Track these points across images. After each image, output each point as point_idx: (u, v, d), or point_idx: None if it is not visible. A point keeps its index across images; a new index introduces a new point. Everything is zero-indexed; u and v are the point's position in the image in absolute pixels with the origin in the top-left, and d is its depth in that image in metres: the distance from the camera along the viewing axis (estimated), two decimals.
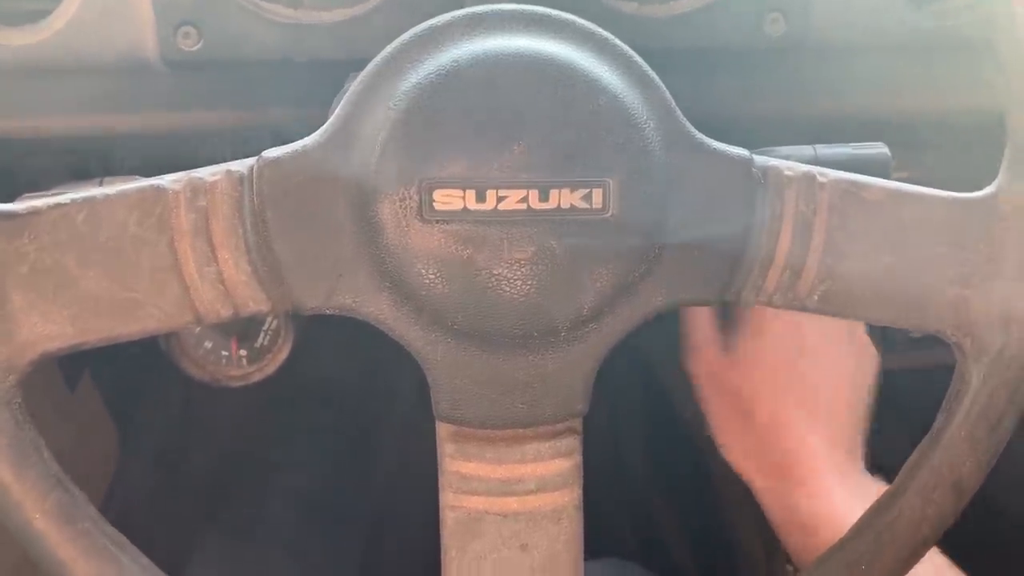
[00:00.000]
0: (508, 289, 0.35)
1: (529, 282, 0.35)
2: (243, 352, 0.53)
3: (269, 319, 0.53)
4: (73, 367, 0.72)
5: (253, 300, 0.36)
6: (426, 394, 0.38)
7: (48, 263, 0.34)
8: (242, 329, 0.53)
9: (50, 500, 0.35)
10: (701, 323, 0.58)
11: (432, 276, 0.34)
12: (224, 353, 0.53)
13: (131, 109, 0.52)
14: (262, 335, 0.53)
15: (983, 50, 0.39)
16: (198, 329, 0.53)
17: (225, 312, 0.36)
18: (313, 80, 0.47)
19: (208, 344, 0.53)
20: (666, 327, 0.54)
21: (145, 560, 0.37)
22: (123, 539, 0.37)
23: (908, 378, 0.65)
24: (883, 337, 0.61)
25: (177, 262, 0.35)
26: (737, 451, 0.56)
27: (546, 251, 0.34)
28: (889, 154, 0.46)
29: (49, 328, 0.35)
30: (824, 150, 0.45)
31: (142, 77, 0.51)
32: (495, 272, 0.34)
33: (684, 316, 0.59)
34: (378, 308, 0.36)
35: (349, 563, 0.89)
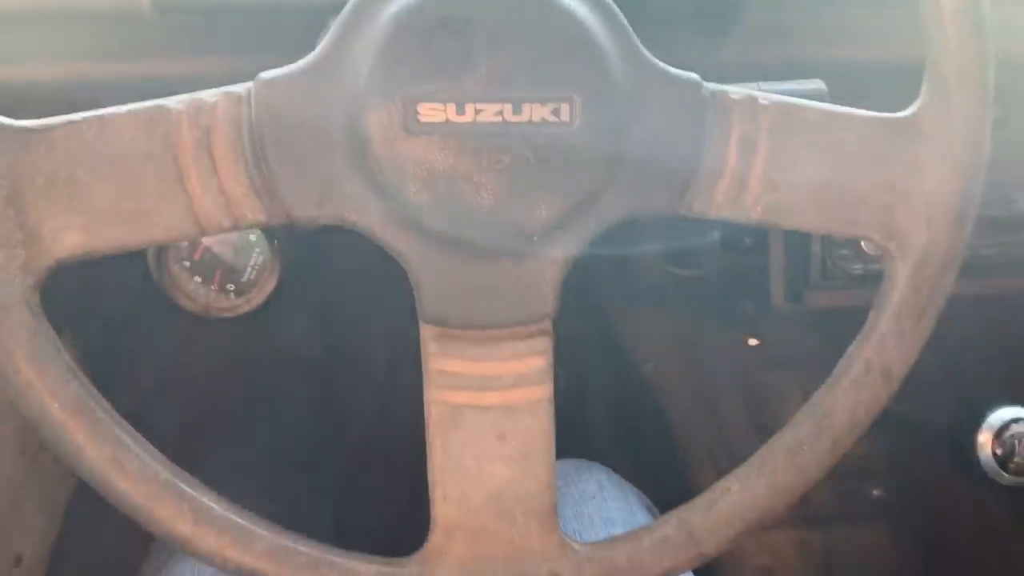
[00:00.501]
0: (486, 195, 0.39)
1: (505, 188, 0.38)
2: (231, 286, 0.56)
3: (256, 255, 0.57)
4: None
5: (251, 211, 0.39)
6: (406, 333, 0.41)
7: (62, 175, 0.38)
8: (230, 264, 0.56)
9: (68, 391, 0.38)
10: None
11: (417, 183, 0.38)
12: (213, 287, 0.56)
13: (121, 56, 0.55)
14: (249, 270, 0.56)
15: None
16: (188, 264, 0.56)
17: (226, 223, 0.39)
18: (300, 26, 0.50)
19: (198, 279, 0.56)
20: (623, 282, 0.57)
21: (153, 449, 0.40)
22: (133, 430, 0.40)
23: None
24: None
25: (181, 176, 0.38)
26: None
27: (520, 160, 0.38)
28: (825, 88, 0.50)
29: (64, 235, 0.38)
30: (766, 85, 0.50)
31: (132, 24, 0.53)
32: (474, 179, 0.38)
33: None
34: (366, 216, 0.40)
35: (324, 503, 0.93)
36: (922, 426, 0.87)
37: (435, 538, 0.42)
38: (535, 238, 0.40)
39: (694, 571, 0.63)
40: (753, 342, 1.04)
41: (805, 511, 1.00)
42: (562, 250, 0.41)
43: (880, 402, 0.43)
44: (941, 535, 0.97)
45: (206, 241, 0.57)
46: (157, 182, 0.38)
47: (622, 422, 1.07)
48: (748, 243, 0.78)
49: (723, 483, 0.43)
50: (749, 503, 0.43)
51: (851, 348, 0.43)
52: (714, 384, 1.03)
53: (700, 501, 0.43)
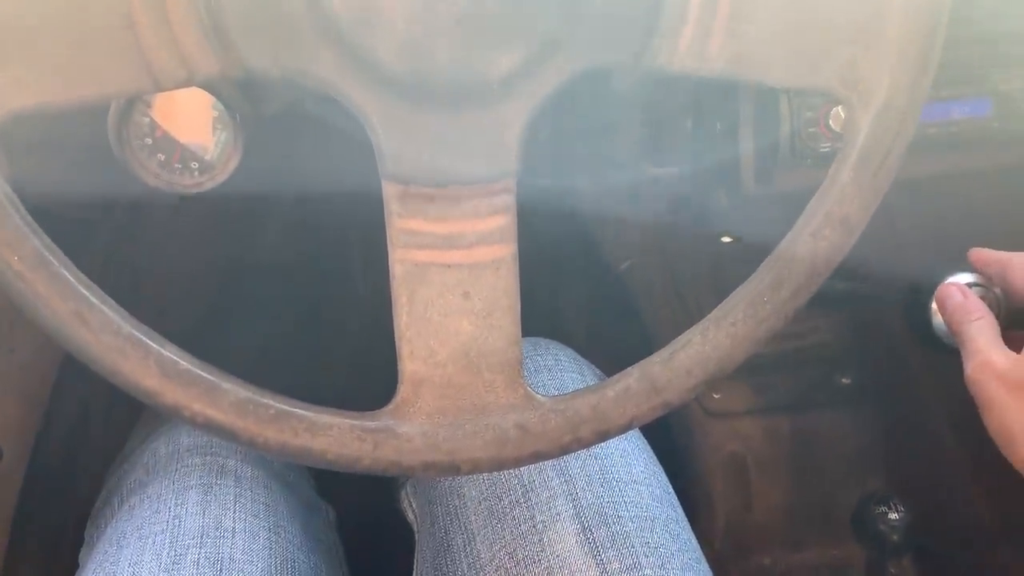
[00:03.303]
0: (444, 44, 0.38)
1: (463, 35, 0.38)
2: (194, 164, 0.56)
3: (218, 132, 0.56)
4: None
5: (205, 63, 0.39)
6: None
7: (12, 23, 0.37)
8: (192, 142, 0.56)
9: (28, 246, 0.38)
10: (980, 332, 0.56)
11: (374, 31, 0.38)
12: (176, 164, 0.56)
13: None
14: (213, 147, 0.56)
15: None
16: (151, 142, 0.55)
17: (181, 75, 0.39)
18: None
19: (161, 156, 0.55)
20: None
21: (116, 304, 0.40)
22: (95, 286, 0.40)
23: None
24: None
25: (132, 25, 0.38)
26: None
27: (478, 3, 0.38)
28: None
29: (17, 88, 0.37)
30: None
31: None
32: (431, 25, 0.38)
33: (964, 334, 0.57)
34: (324, 69, 0.39)
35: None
36: (885, 307, 0.89)
37: (403, 392, 0.43)
38: (495, 87, 0.40)
39: (667, 460, 0.65)
40: (727, 239, 1.04)
41: (774, 399, 1.02)
42: (524, 101, 0.40)
43: (840, 251, 0.43)
44: (907, 413, 1.00)
45: (168, 126, 0.56)
46: (108, 33, 0.37)
47: (593, 317, 1.09)
48: (719, 128, 0.77)
49: (684, 336, 0.44)
50: (709, 353, 0.43)
51: (812, 201, 0.44)
52: (687, 279, 1.04)
53: (661, 353, 0.44)
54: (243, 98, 0.55)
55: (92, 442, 0.88)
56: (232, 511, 0.56)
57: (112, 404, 0.89)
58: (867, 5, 0.41)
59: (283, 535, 0.57)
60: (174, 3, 0.37)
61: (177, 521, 0.54)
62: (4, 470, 0.77)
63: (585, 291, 1.12)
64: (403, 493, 0.66)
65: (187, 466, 0.58)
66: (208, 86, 0.53)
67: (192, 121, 0.56)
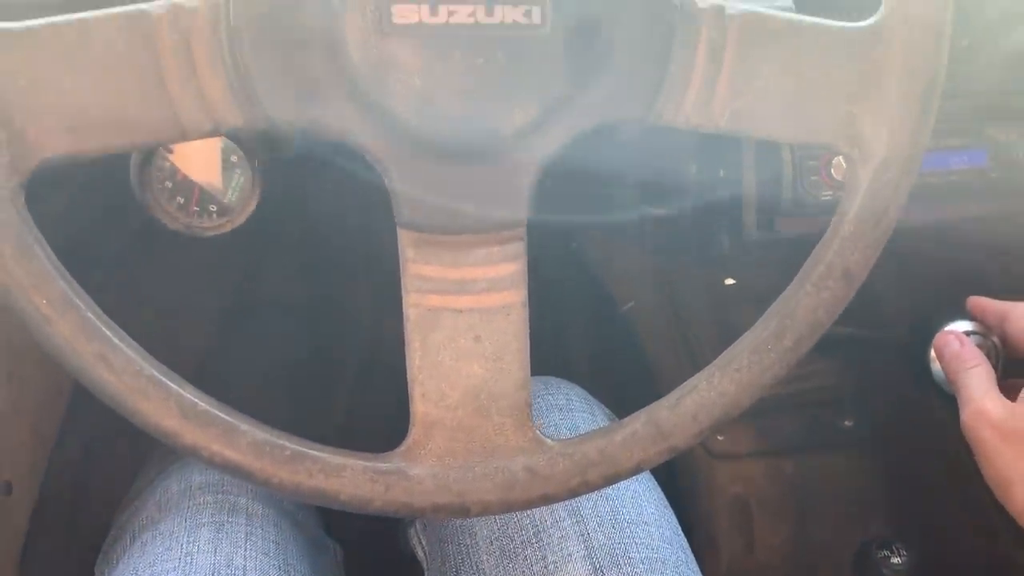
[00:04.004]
0: (459, 97, 0.40)
1: (478, 91, 0.40)
2: (213, 207, 0.57)
3: (237, 177, 0.58)
4: None
5: (231, 114, 0.40)
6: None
7: (45, 76, 0.38)
8: (211, 186, 0.57)
9: (55, 289, 0.39)
10: (975, 380, 0.57)
11: (391, 85, 0.39)
12: (194, 207, 0.57)
13: None
14: (231, 191, 0.57)
15: None
16: (171, 185, 0.57)
17: (207, 126, 0.40)
18: None
19: (180, 199, 0.57)
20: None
21: (138, 346, 0.41)
22: (118, 328, 0.41)
23: None
24: None
25: (162, 79, 0.39)
26: None
27: (492, 62, 0.39)
28: (792, 4, 0.51)
29: (48, 137, 0.39)
30: (736, 2, 0.51)
31: None
32: (448, 81, 0.39)
33: (960, 382, 0.58)
34: (343, 120, 0.41)
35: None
36: (886, 352, 0.90)
37: (414, 434, 0.44)
38: (508, 140, 0.41)
39: (671, 502, 0.66)
40: (729, 281, 1.06)
41: (777, 442, 1.03)
42: (535, 155, 0.42)
43: (840, 303, 0.45)
44: (908, 457, 1.00)
45: (189, 169, 0.58)
46: (138, 85, 0.39)
47: (599, 358, 1.10)
48: (723, 175, 0.79)
49: (690, 382, 0.45)
50: (715, 399, 0.44)
51: (814, 251, 0.45)
52: (691, 321, 1.05)
53: (668, 398, 0.45)
54: (263, 144, 0.57)
55: (100, 477, 0.88)
56: (243, 549, 0.56)
57: (120, 439, 0.89)
58: (865, 63, 0.43)
59: (292, 574, 0.58)
60: (202, 58, 0.39)
61: (189, 559, 0.55)
62: (13, 504, 0.78)
63: (590, 331, 1.13)
64: (412, 531, 0.66)
65: (199, 503, 0.59)
66: (231, 135, 0.55)
67: (211, 164, 0.58)
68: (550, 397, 0.65)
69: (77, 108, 0.39)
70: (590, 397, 0.69)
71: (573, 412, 0.64)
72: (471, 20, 0.39)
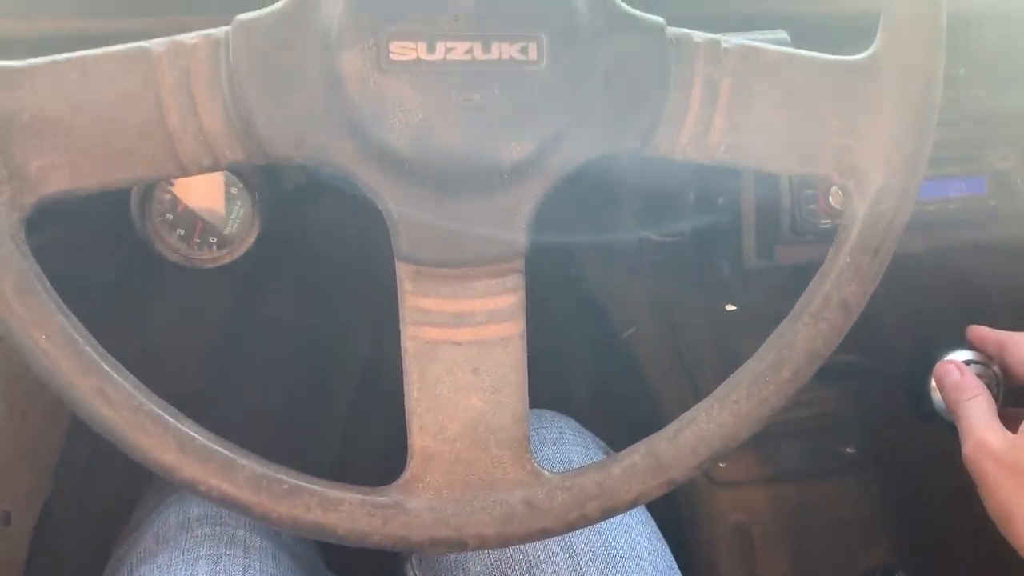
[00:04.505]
0: (457, 132, 0.40)
1: (475, 126, 0.40)
2: (213, 239, 0.58)
3: (237, 209, 0.58)
4: None
5: (230, 150, 0.41)
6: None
7: (47, 113, 0.39)
8: (212, 218, 0.58)
9: (54, 323, 0.40)
10: (975, 411, 0.57)
11: (390, 121, 0.40)
12: (195, 239, 0.57)
13: (100, 14, 0.56)
14: (231, 223, 0.58)
15: None
16: (171, 217, 0.57)
17: (206, 161, 0.41)
18: None
19: (181, 231, 0.57)
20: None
21: (137, 381, 0.41)
22: (117, 363, 0.41)
23: None
24: None
25: (162, 116, 0.40)
26: None
27: (490, 97, 0.40)
28: (788, 38, 0.52)
29: (49, 173, 0.39)
30: (731, 37, 0.51)
31: None
32: (445, 117, 0.40)
33: (960, 412, 0.58)
34: (341, 156, 0.41)
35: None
36: (887, 379, 0.89)
37: (413, 467, 0.43)
38: (506, 175, 0.41)
39: (672, 530, 0.66)
40: (730, 308, 1.06)
41: (778, 469, 1.02)
42: (533, 187, 0.42)
43: (838, 334, 0.45)
44: (909, 485, 0.99)
45: (189, 201, 0.58)
46: (139, 122, 0.39)
47: (599, 385, 1.10)
48: (721, 202, 0.79)
49: (689, 413, 0.45)
50: (714, 431, 0.44)
51: (812, 283, 0.45)
52: (691, 347, 1.05)
53: (667, 430, 0.45)
54: (262, 177, 0.57)
55: (99, 508, 0.88)
56: None
57: (118, 471, 0.89)
58: (860, 96, 0.43)
59: None
60: (201, 95, 0.40)
61: None
62: (13, 534, 0.78)
63: (590, 357, 1.12)
64: (409, 565, 0.66)
65: (197, 536, 0.59)
66: (231, 168, 0.55)
67: (212, 196, 0.58)
68: (543, 431, 0.65)
69: (78, 145, 0.39)
70: (584, 430, 0.68)
71: (567, 446, 0.64)
72: (468, 57, 0.39)
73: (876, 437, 1.03)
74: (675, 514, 1.01)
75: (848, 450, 1.03)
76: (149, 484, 0.71)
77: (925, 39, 0.43)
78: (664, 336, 1.07)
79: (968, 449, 0.56)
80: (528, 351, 0.44)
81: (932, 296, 0.86)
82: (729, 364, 0.47)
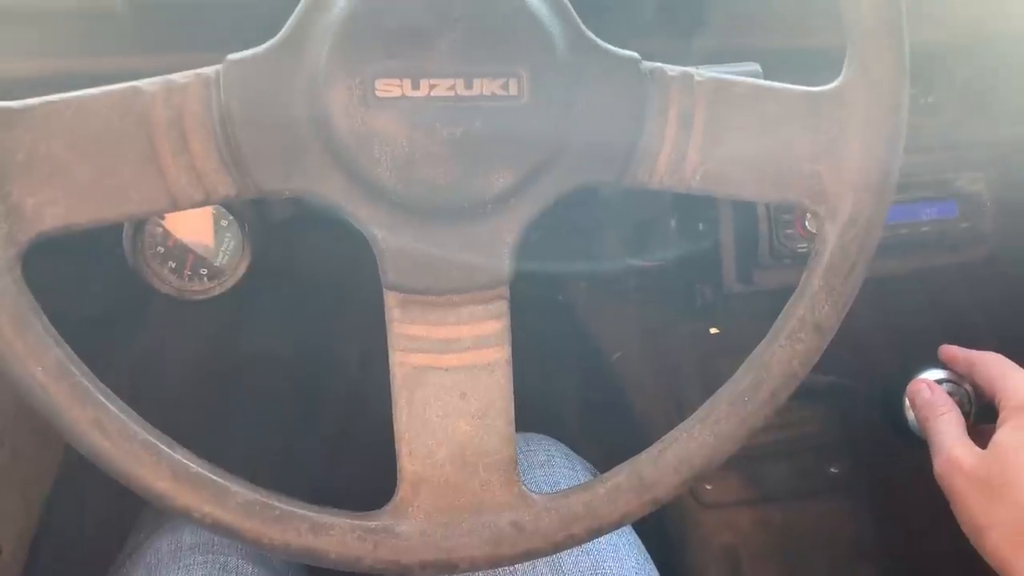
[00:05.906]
0: (442, 165, 0.41)
1: (460, 159, 0.41)
2: (204, 270, 0.59)
3: (227, 240, 0.59)
4: None
5: (222, 185, 0.42)
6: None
7: (42, 151, 0.40)
8: (202, 250, 0.59)
9: (50, 356, 0.41)
10: (945, 427, 0.58)
11: (376, 155, 0.41)
12: (186, 271, 0.59)
13: (96, 52, 0.57)
14: (221, 255, 0.59)
15: None
16: (163, 250, 0.58)
17: (198, 196, 0.42)
18: (267, 21, 0.53)
19: (172, 263, 0.59)
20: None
21: (132, 411, 0.42)
22: (112, 394, 0.42)
23: None
24: None
25: (155, 154, 0.41)
26: (1003, 541, 0.53)
27: (473, 131, 0.41)
28: (760, 70, 0.54)
29: (45, 209, 0.40)
30: (705, 70, 0.53)
31: (105, 21, 0.56)
32: (430, 151, 0.41)
33: (931, 429, 0.60)
34: (330, 188, 0.42)
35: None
36: (867, 399, 0.91)
37: (402, 492, 0.44)
38: (489, 205, 0.43)
39: (660, 552, 0.67)
40: (714, 331, 1.07)
41: (765, 490, 1.03)
42: (516, 217, 0.44)
43: (814, 354, 0.46)
44: (895, 504, 1.01)
45: (180, 234, 0.59)
46: (132, 159, 0.41)
47: (587, 409, 1.11)
48: (702, 228, 0.81)
49: (671, 434, 0.46)
50: (695, 451, 0.46)
51: (787, 306, 0.47)
52: (677, 370, 1.06)
53: (650, 451, 0.46)
54: (252, 209, 0.58)
55: (91, 539, 0.88)
56: None
57: (112, 501, 0.89)
58: (829, 125, 0.45)
59: None
60: (193, 133, 0.41)
61: None
62: (5, 566, 0.78)
63: (578, 382, 1.14)
64: None
65: (189, 564, 0.59)
66: (223, 203, 0.57)
67: (202, 229, 0.59)
68: (532, 454, 0.66)
69: (74, 182, 0.40)
70: (571, 453, 0.69)
71: (554, 469, 0.65)
72: (451, 93, 0.41)
73: (860, 456, 1.04)
74: (663, 536, 1.02)
75: (833, 470, 1.04)
76: (140, 514, 0.72)
77: (889, 69, 0.45)
78: (650, 360, 1.09)
79: (939, 465, 0.57)
80: (517, 375, 0.46)
81: (912, 316, 0.88)
82: (714, 386, 0.48)
